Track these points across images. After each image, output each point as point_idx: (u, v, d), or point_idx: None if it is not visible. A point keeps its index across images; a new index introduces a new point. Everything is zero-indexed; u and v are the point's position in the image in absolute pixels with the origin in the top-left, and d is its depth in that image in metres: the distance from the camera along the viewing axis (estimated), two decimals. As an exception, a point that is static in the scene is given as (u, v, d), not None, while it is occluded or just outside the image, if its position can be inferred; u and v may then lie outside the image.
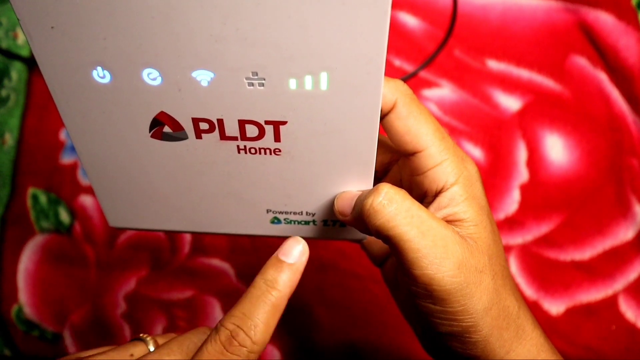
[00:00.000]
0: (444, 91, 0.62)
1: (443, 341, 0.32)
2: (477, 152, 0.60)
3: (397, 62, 0.63)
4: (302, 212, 0.36)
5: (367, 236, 0.38)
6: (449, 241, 0.30)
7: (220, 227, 0.37)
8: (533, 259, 0.57)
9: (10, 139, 0.64)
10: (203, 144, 0.32)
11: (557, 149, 0.59)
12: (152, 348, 0.34)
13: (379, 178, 0.38)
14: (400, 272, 0.31)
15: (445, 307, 0.30)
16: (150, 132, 0.31)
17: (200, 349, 0.30)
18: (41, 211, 0.62)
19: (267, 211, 0.36)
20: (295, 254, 0.33)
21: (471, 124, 0.61)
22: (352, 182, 0.33)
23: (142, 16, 0.26)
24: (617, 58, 0.60)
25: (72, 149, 0.63)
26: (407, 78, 0.62)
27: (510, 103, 0.61)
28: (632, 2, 0.60)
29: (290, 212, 0.36)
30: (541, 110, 0.60)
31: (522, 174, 0.59)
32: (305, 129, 0.30)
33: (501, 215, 0.58)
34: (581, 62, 0.61)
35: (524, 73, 0.61)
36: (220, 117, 0.30)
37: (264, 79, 0.28)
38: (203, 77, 0.28)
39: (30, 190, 0.63)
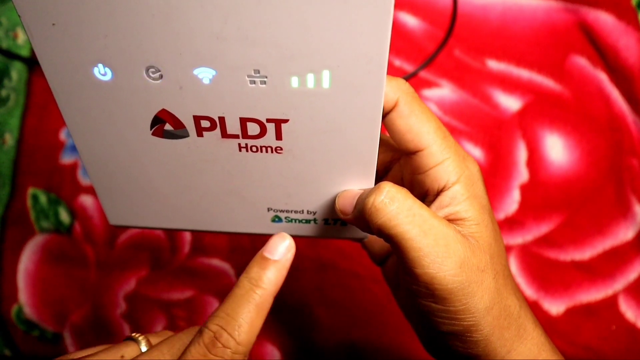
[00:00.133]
0: (444, 91, 0.62)
1: (444, 340, 0.32)
2: (477, 152, 0.60)
3: (397, 62, 0.63)
4: (303, 211, 0.36)
5: (368, 235, 0.38)
6: (451, 240, 0.30)
7: (221, 225, 0.37)
8: (533, 259, 0.57)
9: (10, 139, 0.64)
10: (204, 142, 0.32)
11: (557, 149, 0.59)
12: (144, 348, 0.33)
13: (380, 177, 0.38)
14: (402, 271, 0.31)
15: (446, 306, 0.30)
16: (151, 129, 0.31)
17: (184, 352, 0.30)
18: (41, 211, 0.62)
19: (268, 210, 0.36)
20: (280, 250, 0.33)
21: (471, 124, 0.61)
22: (354, 180, 0.33)
23: (144, 13, 0.26)
24: (617, 58, 0.60)
25: (72, 149, 0.63)
26: (407, 78, 0.62)
27: (510, 103, 0.61)
28: (632, 2, 0.60)
29: (291, 211, 0.36)
30: (541, 110, 0.60)
31: (522, 174, 0.59)
32: (307, 127, 0.30)
33: (501, 215, 0.58)
34: (581, 62, 0.61)
35: (524, 73, 0.61)
36: (221, 115, 0.30)
37: (266, 77, 0.28)
38: (205, 74, 0.28)
39: (30, 190, 0.63)
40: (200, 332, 0.30)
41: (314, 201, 0.35)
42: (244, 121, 0.30)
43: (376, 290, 0.58)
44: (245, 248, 0.60)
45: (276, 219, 0.37)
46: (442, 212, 0.32)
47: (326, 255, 0.59)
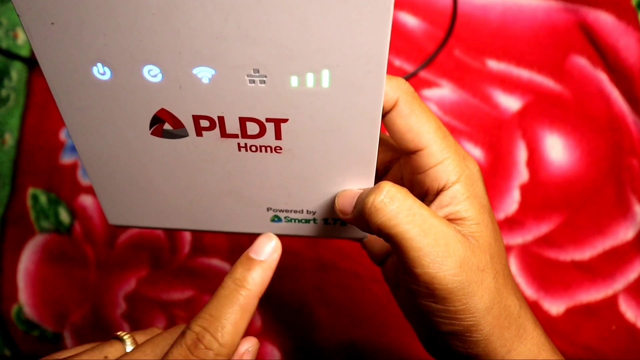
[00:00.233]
0: (444, 91, 0.62)
1: (444, 340, 0.32)
2: (477, 152, 0.60)
3: (397, 62, 0.63)
4: (302, 211, 0.36)
5: (368, 235, 0.38)
6: (451, 240, 0.30)
7: (221, 225, 0.37)
8: (533, 259, 0.57)
9: (10, 139, 0.64)
10: (203, 142, 0.32)
11: (557, 149, 0.59)
12: (130, 347, 0.33)
13: (379, 176, 0.38)
14: (402, 270, 0.31)
15: (446, 306, 0.30)
16: (150, 129, 0.31)
17: (166, 354, 0.29)
18: (41, 211, 0.62)
19: (268, 209, 0.36)
20: (266, 250, 0.32)
21: (471, 124, 0.61)
22: (353, 180, 0.33)
23: (143, 12, 0.26)
24: (617, 58, 0.60)
25: (72, 149, 0.63)
26: (407, 78, 0.62)
27: (510, 103, 0.61)
28: (632, 2, 0.60)
29: (291, 211, 0.36)
30: (541, 110, 0.60)
31: (522, 174, 0.59)
32: (307, 126, 0.30)
33: (501, 215, 0.58)
34: (581, 62, 0.61)
35: (524, 73, 0.61)
36: (221, 115, 0.30)
37: (266, 77, 0.28)
38: (204, 74, 0.28)
39: (30, 190, 0.63)
40: (182, 334, 0.29)
41: (313, 201, 0.35)
42: (243, 121, 0.30)
43: (376, 290, 0.58)
44: (245, 248, 0.59)
45: (276, 219, 0.37)
46: (442, 211, 0.32)
47: (326, 255, 0.58)
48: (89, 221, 0.61)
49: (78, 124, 0.32)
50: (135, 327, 0.60)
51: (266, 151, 0.32)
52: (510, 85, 0.61)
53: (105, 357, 0.31)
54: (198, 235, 0.60)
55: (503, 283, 0.31)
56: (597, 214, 0.58)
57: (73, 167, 0.63)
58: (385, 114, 0.32)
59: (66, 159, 0.63)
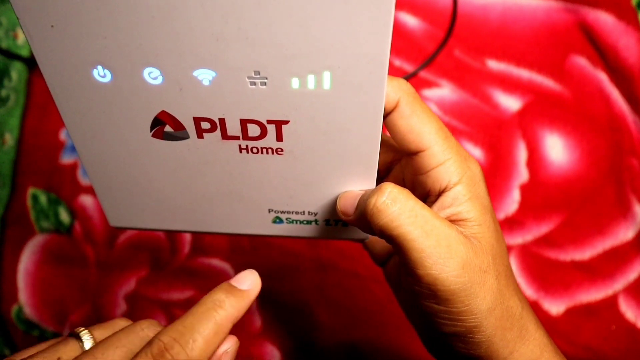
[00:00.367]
0: (444, 91, 0.62)
1: (446, 341, 0.32)
2: (477, 152, 0.60)
3: (397, 62, 0.63)
4: (304, 212, 0.36)
5: (369, 236, 0.38)
6: (453, 241, 0.30)
7: (222, 227, 0.37)
8: (533, 259, 0.57)
9: (10, 139, 0.64)
10: (204, 144, 0.32)
11: (557, 149, 0.59)
12: (88, 345, 0.30)
13: (381, 177, 0.38)
14: (404, 271, 0.31)
15: (449, 307, 0.30)
16: (151, 131, 0.31)
17: None
18: (41, 211, 0.62)
19: (269, 211, 0.36)
20: (248, 282, 0.32)
21: (471, 124, 0.61)
22: (355, 181, 0.33)
23: (143, 15, 0.26)
24: (617, 58, 0.60)
25: (72, 149, 0.63)
26: (407, 78, 0.62)
27: (510, 103, 0.61)
28: (632, 2, 0.60)
29: (292, 212, 0.36)
30: (541, 110, 0.60)
31: (522, 174, 0.59)
32: (308, 128, 0.30)
33: (501, 215, 0.58)
34: (581, 62, 0.61)
35: (524, 73, 0.61)
36: (222, 117, 0.30)
37: (266, 78, 0.28)
38: (205, 76, 0.28)
39: (30, 190, 0.63)
40: (150, 343, 0.28)
41: (315, 202, 0.35)
42: (244, 122, 0.30)
43: (376, 290, 0.58)
44: (245, 248, 0.60)
45: (277, 220, 0.37)
46: (444, 212, 0.32)
47: (326, 255, 0.58)
48: (89, 221, 0.61)
49: (78, 126, 0.32)
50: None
51: (267, 153, 0.32)
52: (510, 85, 0.61)
53: (59, 358, 0.29)
54: (198, 235, 0.60)
55: (505, 284, 0.31)
56: (597, 214, 0.58)
57: (73, 167, 0.62)
58: (386, 115, 0.31)
59: (66, 159, 0.63)
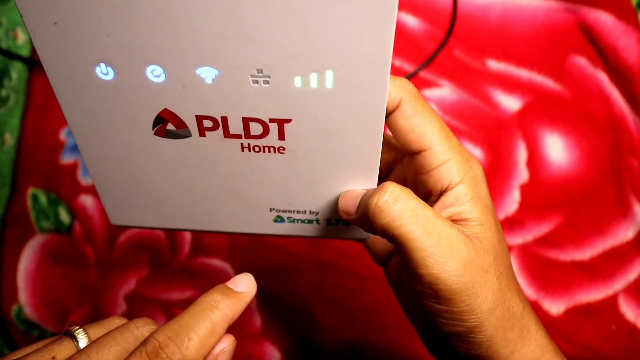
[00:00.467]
0: (444, 91, 0.62)
1: (447, 341, 0.32)
2: (477, 152, 0.60)
3: (397, 62, 0.63)
4: (305, 211, 0.36)
5: (371, 235, 0.38)
6: (455, 240, 0.30)
7: (223, 225, 0.37)
8: (533, 259, 0.57)
9: (10, 139, 0.64)
10: (206, 142, 0.32)
11: (557, 149, 0.59)
12: (83, 343, 0.30)
13: (382, 177, 0.38)
14: (405, 271, 0.31)
15: (450, 307, 0.30)
16: (153, 129, 0.31)
17: None
18: (41, 211, 0.62)
19: (271, 210, 0.36)
20: (244, 284, 0.32)
21: (471, 124, 0.61)
22: (357, 180, 0.33)
23: (146, 12, 0.26)
24: (617, 58, 0.60)
25: (72, 149, 0.63)
26: (407, 78, 0.62)
27: (510, 103, 0.61)
28: (632, 2, 0.60)
29: (294, 211, 0.36)
30: (541, 110, 0.60)
31: (522, 174, 0.59)
32: (310, 127, 0.30)
33: (501, 215, 0.58)
34: (581, 62, 0.61)
35: (524, 73, 0.61)
36: (224, 115, 0.30)
37: (269, 77, 0.28)
38: (207, 74, 0.28)
39: (30, 190, 0.63)
40: (144, 341, 0.27)
41: (316, 201, 0.35)
42: (246, 121, 0.30)
43: (376, 290, 0.58)
44: (245, 248, 0.60)
45: (278, 219, 0.37)
46: (446, 212, 0.32)
47: (326, 255, 0.58)
48: (89, 221, 0.61)
49: (81, 124, 0.32)
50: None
51: (269, 151, 0.32)
52: (510, 85, 0.61)
53: (54, 357, 0.29)
54: (198, 235, 0.60)
55: (506, 284, 0.31)
56: (597, 214, 0.58)
57: (73, 167, 0.62)
58: (388, 114, 0.31)
59: (66, 159, 0.63)
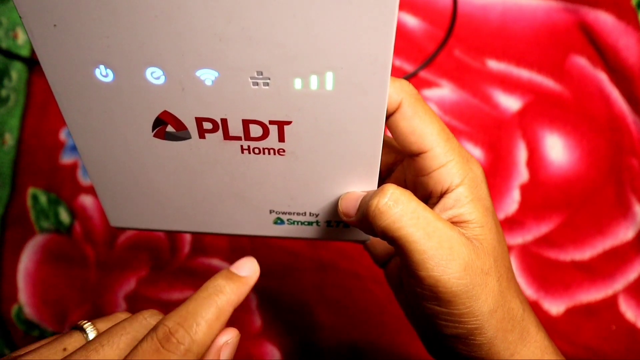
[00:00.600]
0: (444, 91, 0.62)
1: (447, 343, 0.32)
2: (477, 152, 0.60)
3: (397, 62, 0.63)
4: (305, 213, 0.36)
5: (371, 237, 0.38)
6: (455, 243, 0.30)
7: (223, 227, 0.37)
8: (533, 259, 0.57)
9: (10, 139, 0.64)
10: (206, 144, 0.32)
11: (557, 149, 0.59)
12: (92, 336, 0.31)
13: (382, 178, 0.38)
14: (406, 273, 0.31)
15: (450, 309, 0.30)
16: (153, 131, 0.31)
17: (135, 347, 0.28)
18: (41, 211, 0.62)
19: (270, 212, 0.36)
20: (247, 268, 0.33)
21: (471, 124, 0.61)
22: (357, 182, 0.33)
23: (146, 14, 0.26)
24: (617, 58, 0.60)
25: (72, 149, 0.63)
26: (407, 78, 0.62)
27: (510, 103, 0.61)
28: (632, 2, 0.60)
29: (294, 213, 0.36)
30: (541, 110, 0.60)
31: (522, 174, 0.59)
32: (310, 129, 0.30)
33: (501, 215, 0.58)
34: (581, 62, 0.61)
35: (524, 73, 0.61)
36: (224, 117, 0.30)
37: (269, 79, 0.28)
38: (207, 76, 0.28)
39: (30, 190, 0.63)
40: (154, 328, 0.29)
41: (316, 203, 0.35)
42: (246, 123, 0.30)
43: (376, 290, 0.58)
44: (245, 248, 0.60)
45: (278, 221, 0.36)
46: (446, 214, 0.32)
47: (326, 256, 0.58)
48: (89, 221, 0.61)
49: (80, 126, 0.32)
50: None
51: (269, 153, 0.32)
52: (510, 85, 0.61)
53: (65, 348, 0.30)
54: (198, 235, 0.60)
55: (507, 286, 0.31)
56: (597, 214, 0.58)
57: (73, 167, 0.62)
58: (388, 116, 0.31)
59: (66, 159, 0.63)
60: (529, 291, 0.57)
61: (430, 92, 0.62)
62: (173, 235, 0.61)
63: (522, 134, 0.60)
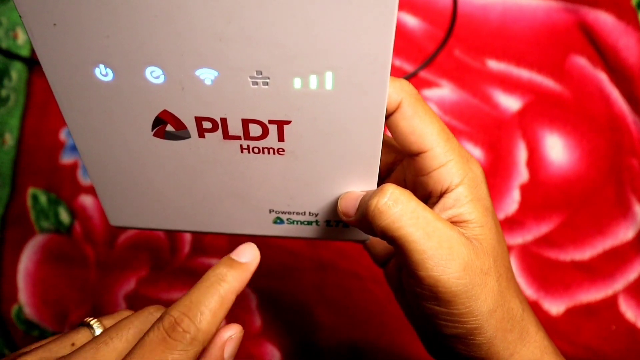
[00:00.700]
0: (444, 91, 0.62)
1: (447, 343, 0.32)
2: (477, 152, 0.60)
3: (397, 62, 0.63)
4: (305, 213, 0.36)
5: (370, 237, 0.38)
6: (455, 242, 0.30)
7: (222, 227, 0.37)
8: (533, 259, 0.57)
9: (10, 139, 0.64)
10: (206, 143, 0.32)
11: (557, 149, 0.59)
12: (98, 332, 0.32)
13: (382, 178, 0.38)
14: (405, 273, 0.31)
15: (450, 309, 0.30)
16: (152, 130, 0.31)
17: (142, 337, 0.29)
18: (41, 211, 0.62)
19: (270, 211, 0.36)
20: (247, 254, 0.33)
21: (471, 124, 0.61)
22: (356, 182, 0.33)
23: (146, 14, 0.26)
24: (617, 58, 0.60)
25: (72, 149, 0.63)
26: (407, 78, 0.62)
27: (510, 103, 0.61)
28: (632, 2, 0.60)
29: (293, 213, 0.36)
30: (541, 110, 0.60)
31: (522, 174, 0.59)
32: (310, 128, 0.30)
33: (501, 215, 0.58)
34: (581, 62, 0.61)
35: (524, 73, 0.61)
36: (223, 116, 0.30)
37: (269, 78, 0.28)
38: (207, 75, 0.28)
39: (30, 190, 0.63)
40: (160, 318, 0.29)
41: (316, 203, 0.35)
42: (246, 122, 0.30)
43: (376, 290, 0.58)
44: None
45: (278, 221, 0.36)
46: (446, 214, 0.32)
47: (326, 256, 0.58)
48: (89, 221, 0.61)
49: (80, 125, 0.32)
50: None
51: (269, 153, 0.32)
52: (510, 85, 0.61)
53: (72, 344, 0.31)
54: (198, 235, 0.60)
55: (506, 286, 0.31)
56: (597, 214, 0.58)
57: (73, 167, 0.62)
58: (388, 115, 0.31)
59: (66, 159, 0.63)
60: (529, 291, 0.57)
61: (430, 92, 0.62)
62: (173, 235, 0.61)
63: (522, 134, 0.60)
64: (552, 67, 0.61)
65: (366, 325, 0.57)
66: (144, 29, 0.27)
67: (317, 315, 0.58)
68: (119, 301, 0.60)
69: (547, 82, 0.61)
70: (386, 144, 0.37)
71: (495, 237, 0.32)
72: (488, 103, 0.61)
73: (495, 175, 0.59)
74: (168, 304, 0.58)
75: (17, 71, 0.66)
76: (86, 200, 0.62)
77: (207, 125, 0.31)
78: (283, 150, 0.32)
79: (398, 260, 0.39)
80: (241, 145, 0.32)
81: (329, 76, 0.28)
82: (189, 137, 0.31)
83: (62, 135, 0.64)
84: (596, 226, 0.57)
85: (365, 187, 0.33)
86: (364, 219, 0.31)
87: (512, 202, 0.59)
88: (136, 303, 0.60)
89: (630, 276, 0.56)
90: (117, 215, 0.37)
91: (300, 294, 0.59)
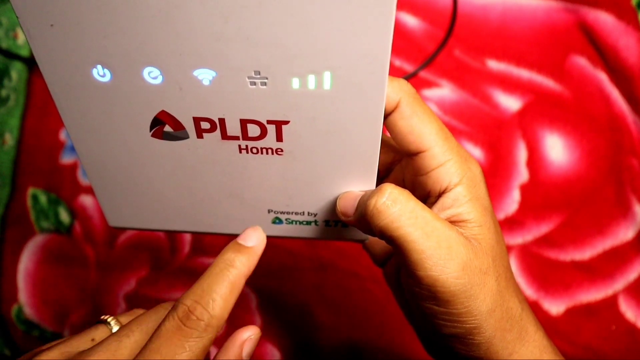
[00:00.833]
0: (444, 91, 0.62)
1: (446, 342, 0.32)
2: (477, 152, 0.60)
3: (397, 62, 0.63)
4: (304, 213, 0.36)
5: (369, 236, 0.38)
6: (453, 242, 0.30)
7: (221, 227, 0.37)
8: (533, 259, 0.57)
9: (10, 139, 0.64)
10: (204, 144, 0.32)
11: (557, 149, 0.59)
12: (115, 329, 0.33)
13: (381, 178, 0.38)
14: (404, 273, 0.31)
15: (449, 309, 0.30)
16: (150, 131, 0.31)
17: (158, 327, 0.30)
18: (41, 211, 0.62)
19: (269, 211, 0.36)
20: (254, 239, 0.33)
21: (471, 124, 0.61)
22: (355, 182, 0.33)
23: (143, 14, 0.26)
24: (617, 58, 0.60)
25: (72, 149, 0.63)
26: (407, 78, 0.62)
27: (510, 103, 0.61)
28: (632, 2, 0.60)
29: (292, 213, 0.36)
30: (541, 110, 0.60)
31: (522, 174, 0.59)
32: (308, 128, 0.30)
33: (501, 215, 0.58)
34: (581, 62, 0.61)
35: (524, 73, 0.61)
36: (221, 117, 0.30)
37: (267, 78, 0.28)
38: (205, 76, 0.28)
39: (30, 190, 0.63)
40: (174, 307, 0.30)
41: (314, 203, 0.35)
42: (244, 123, 0.30)
43: (376, 290, 0.58)
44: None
45: (277, 221, 0.36)
46: (444, 213, 0.32)
47: (326, 256, 0.58)
48: (89, 221, 0.61)
49: (78, 126, 0.32)
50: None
51: (267, 153, 0.32)
52: (510, 85, 0.61)
53: (93, 339, 0.32)
54: (198, 235, 0.60)
55: (505, 285, 0.31)
56: (597, 214, 0.58)
57: (73, 167, 0.62)
58: (386, 115, 0.31)
59: (66, 159, 0.63)
60: (529, 291, 0.56)
61: (430, 92, 0.62)
62: (173, 235, 0.61)
63: (522, 134, 0.60)
64: (552, 67, 0.61)
65: (366, 325, 0.57)
66: (142, 30, 0.27)
67: (317, 315, 0.58)
68: (119, 301, 0.60)
69: (547, 82, 0.61)
70: (385, 144, 0.37)
71: (494, 237, 0.32)
72: (488, 103, 0.61)
73: (495, 175, 0.59)
74: (168, 304, 0.58)
75: (17, 71, 0.66)
76: (86, 200, 0.62)
77: (205, 125, 0.31)
78: (281, 151, 0.32)
79: (397, 260, 0.39)
80: (239, 146, 0.32)
81: (327, 76, 0.28)
82: (187, 137, 0.31)
83: (62, 135, 0.64)
84: (596, 226, 0.57)
85: (364, 187, 0.33)
86: (363, 219, 0.31)
87: (512, 202, 0.59)
88: (136, 303, 0.60)
89: (630, 276, 0.56)
90: (116, 216, 0.37)
91: (300, 294, 0.59)
